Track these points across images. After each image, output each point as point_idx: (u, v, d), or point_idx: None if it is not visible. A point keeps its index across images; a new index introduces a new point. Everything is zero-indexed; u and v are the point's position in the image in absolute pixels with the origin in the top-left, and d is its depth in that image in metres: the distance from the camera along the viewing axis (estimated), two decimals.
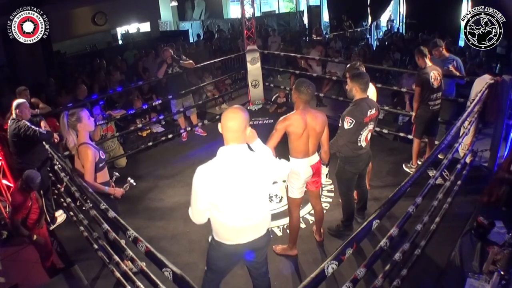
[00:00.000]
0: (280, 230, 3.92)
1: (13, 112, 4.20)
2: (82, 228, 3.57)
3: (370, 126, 3.40)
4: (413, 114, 4.59)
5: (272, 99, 7.06)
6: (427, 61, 4.36)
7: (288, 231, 3.76)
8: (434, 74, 4.31)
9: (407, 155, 4.85)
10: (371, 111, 3.33)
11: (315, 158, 3.21)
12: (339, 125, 3.34)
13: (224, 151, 2.10)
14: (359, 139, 3.36)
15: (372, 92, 3.86)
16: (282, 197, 4.40)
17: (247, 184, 2.08)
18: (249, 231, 2.21)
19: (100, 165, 3.20)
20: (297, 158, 3.15)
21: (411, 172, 4.57)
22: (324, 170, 3.43)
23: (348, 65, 4.02)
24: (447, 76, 4.79)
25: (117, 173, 3.43)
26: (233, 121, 2.08)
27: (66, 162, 3.59)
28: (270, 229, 2.40)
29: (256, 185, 2.13)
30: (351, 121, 3.25)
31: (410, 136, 4.92)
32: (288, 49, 10.16)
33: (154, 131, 6.51)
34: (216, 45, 11.96)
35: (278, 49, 10.01)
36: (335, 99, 6.41)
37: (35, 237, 3.57)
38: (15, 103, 4.19)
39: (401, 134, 5.15)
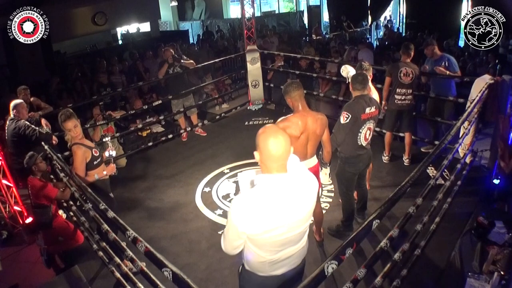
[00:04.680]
0: None
1: (11, 112, 4.24)
2: (82, 228, 3.57)
3: (369, 124, 3.39)
4: (383, 102, 4.73)
5: (270, 66, 7.15)
6: (406, 58, 4.61)
7: None
8: (406, 70, 4.51)
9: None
10: (370, 109, 3.32)
11: (313, 161, 3.18)
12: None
13: (267, 182, 1.76)
14: (358, 138, 3.36)
15: (375, 96, 3.88)
16: None
17: (293, 219, 1.79)
18: (285, 264, 1.95)
19: (95, 162, 3.31)
20: None
21: (385, 162, 5.00)
22: (326, 170, 3.41)
23: (357, 65, 4.06)
24: (440, 76, 4.94)
25: (106, 138, 3.63)
26: (277, 146, 1.72)
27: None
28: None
29: (302, 218, 1.83)
30: (347, 116, 3.25)
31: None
32: (286, 49, 10.14)
33: (154, 131, 6.51)
34: (222, 45, 11.92)
35: (276, 49, 9.97)
36: (335, 99, 6.41)
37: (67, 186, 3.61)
38: (12, 103, 4.25)
39: (401, 134, 5.15)
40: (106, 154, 3.51)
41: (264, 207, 1.72)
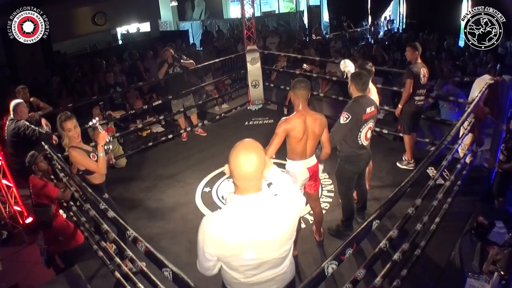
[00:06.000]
0: None
1: (11, 112, 4.22)
2: (82, 228, 3.57)
3: (370, 124, 3.41)
4: (400, 106, 4.66)
5: (274, 67, 7.14)
6: (419, 58, 4.52)
7: None
8: (423, 71, 4.48)
9: None
10: (370, 109, 3.34)
11: (312, 160, 3.18)
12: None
13: (237, 204, 1.67)
14: (358, 137, 3.36)
15: (375, 96, 3.88)
16: None
17: (264, 242, 1.68)
18: (267, 286, 1.84)
19: None
20: (294, 160, 3.14)
21: (409, 168, 4.73)
22: (321, 166, 3.41)
23: (358, 64, 4.05)
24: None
25: (94, 120, 3.61)
26: (248, 166, 1.60)
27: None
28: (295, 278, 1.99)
29: (277, 241, 1.71)
30: (347, 116, 3.25)
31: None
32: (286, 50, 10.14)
33: (154, 131, 6.51)
34: (222, 45, 11.91)
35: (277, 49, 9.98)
36: (335, 99, 6.40)
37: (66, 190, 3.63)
38: (12, 103, 4.24)
39: (401, 134, 5.15)
40: (100, 127, 3.41)
41: (231, 230, 1.64)
